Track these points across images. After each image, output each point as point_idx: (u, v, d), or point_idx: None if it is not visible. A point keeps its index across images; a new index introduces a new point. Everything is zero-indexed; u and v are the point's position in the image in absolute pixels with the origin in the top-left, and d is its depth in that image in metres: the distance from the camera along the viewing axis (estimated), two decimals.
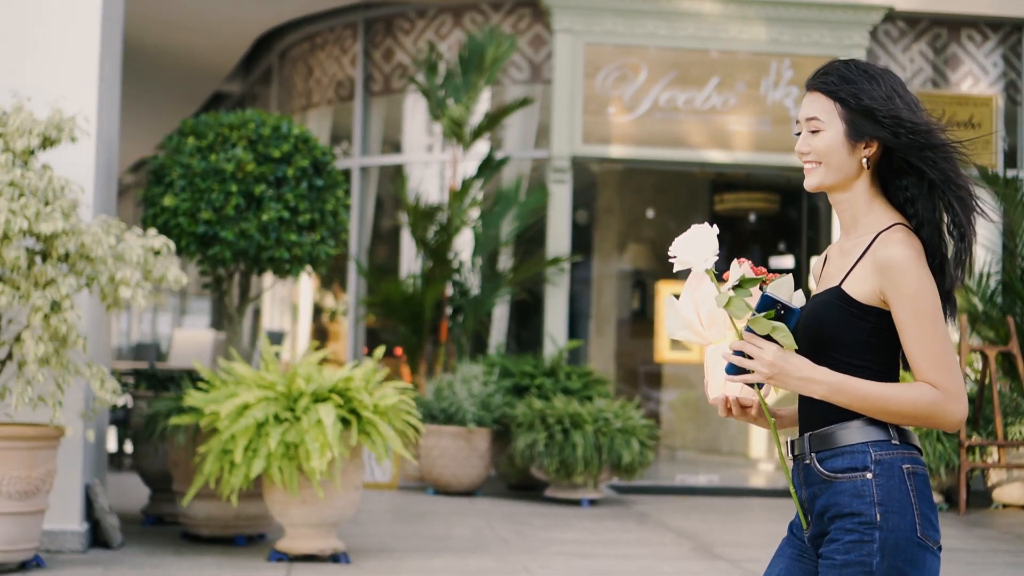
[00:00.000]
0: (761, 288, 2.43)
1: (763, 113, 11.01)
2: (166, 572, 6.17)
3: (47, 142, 5.92)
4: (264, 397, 6.31)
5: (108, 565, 6.28)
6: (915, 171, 2.43)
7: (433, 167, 11.69)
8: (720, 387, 2.48)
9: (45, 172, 5.86)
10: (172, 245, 6.12)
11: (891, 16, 11.28)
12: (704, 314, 2.41)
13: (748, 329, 2.35)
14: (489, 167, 10.58)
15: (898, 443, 2.37)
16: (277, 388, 6.36)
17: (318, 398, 6.36)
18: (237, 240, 6.84)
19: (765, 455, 12.72)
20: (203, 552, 6.70)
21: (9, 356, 5.99)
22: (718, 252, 2.33)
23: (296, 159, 7.02)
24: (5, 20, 6.65)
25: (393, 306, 10.24)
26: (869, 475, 2.34)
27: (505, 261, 11.00)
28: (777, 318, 2.35)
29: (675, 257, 2.35)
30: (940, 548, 2.37)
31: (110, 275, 5.81)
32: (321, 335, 14.18)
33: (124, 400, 8.40)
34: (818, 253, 12.08)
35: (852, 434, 2.37)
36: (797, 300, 2.45)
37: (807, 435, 2.43)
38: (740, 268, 2.39)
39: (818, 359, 2.40)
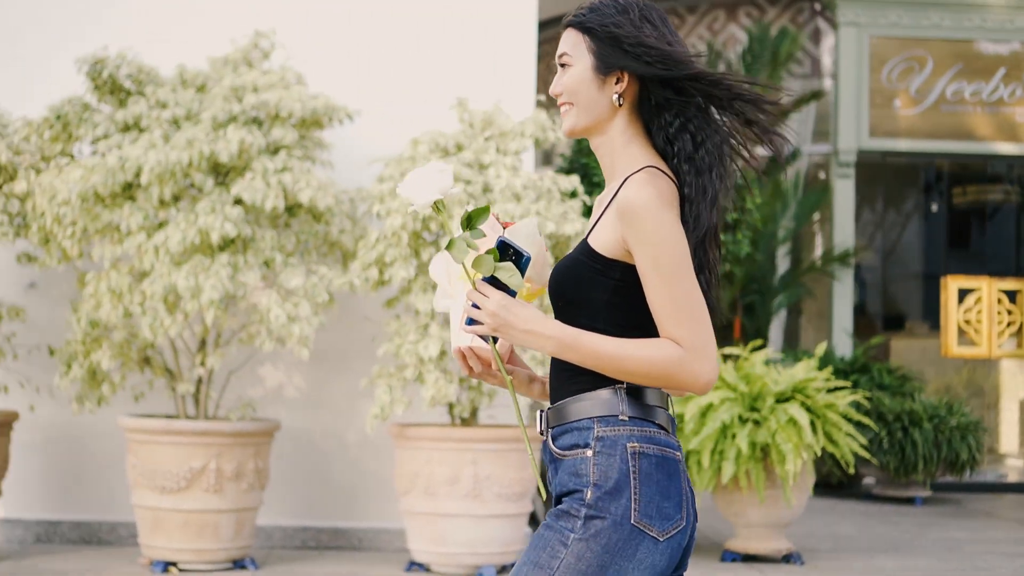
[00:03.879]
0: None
1: None
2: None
3: (537, 144, 5.92)
4: (727, 398, 6.27)
5: None
6: (676, 104, 2.17)
7: None
8: (456, 340, 2.26)
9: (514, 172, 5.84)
10: None
11: None
12: (454, 272, 2.24)
13: (485, 279, 2.13)
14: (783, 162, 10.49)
15: (627, 419, 2.13)
16: (739, 388, 6.32)
17: (780, 398, 6.31)
18: None
19: (1016, 450, 12.54)
20: None
21: None
22: (449, 191, 2.12)
23: None
24: (454, 29, 6.68)
25: None
26: (589, 452, 2.12)
27: (780, 260, 10.91)
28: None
29: (403, 194, 2.14)
30: (671, 536, 2.11)
31: None
32: None
33: None
34: None
35: (581, 408, 2.15)
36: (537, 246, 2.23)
37: (546, 410, 2.22)
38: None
39: (567, 324, 2.16)
